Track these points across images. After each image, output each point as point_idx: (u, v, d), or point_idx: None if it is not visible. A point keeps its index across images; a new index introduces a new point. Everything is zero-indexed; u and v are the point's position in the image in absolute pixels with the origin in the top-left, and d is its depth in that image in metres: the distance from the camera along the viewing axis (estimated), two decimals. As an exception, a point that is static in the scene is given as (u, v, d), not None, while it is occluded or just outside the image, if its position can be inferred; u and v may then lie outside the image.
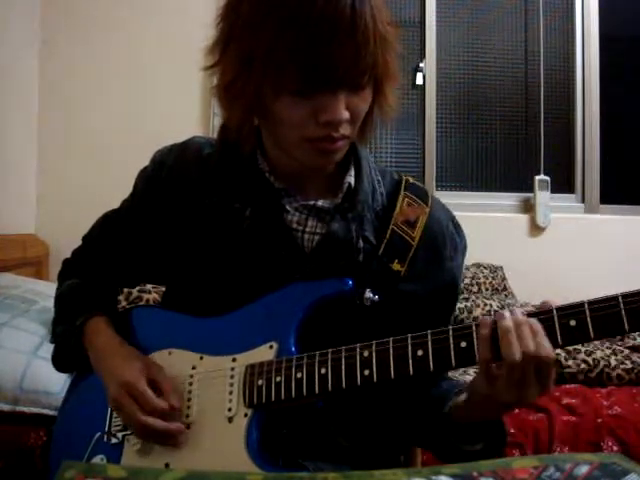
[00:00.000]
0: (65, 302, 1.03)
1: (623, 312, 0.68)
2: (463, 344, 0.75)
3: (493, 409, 0.81)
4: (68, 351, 0.99)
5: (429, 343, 0.76)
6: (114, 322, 0.98)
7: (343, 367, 0.79)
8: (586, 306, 0.70)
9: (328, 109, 0.78)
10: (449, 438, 0.87)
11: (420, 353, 0.76)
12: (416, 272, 0.92)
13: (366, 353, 0.79)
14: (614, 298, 0.69)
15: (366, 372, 0.78)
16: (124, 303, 2.05)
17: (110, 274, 1.04)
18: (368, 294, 0.87)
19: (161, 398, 0.85)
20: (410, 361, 0.77)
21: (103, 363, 0.92)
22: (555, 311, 0.72)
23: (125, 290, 2.02)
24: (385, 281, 0.89)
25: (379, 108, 0.87)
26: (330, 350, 0.81)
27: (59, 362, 1.03)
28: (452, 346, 0.75)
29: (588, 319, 0.70)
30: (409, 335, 0.78)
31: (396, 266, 0.90)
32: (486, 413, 0.83)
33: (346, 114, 0.79)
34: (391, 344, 0.78)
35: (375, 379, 0.78)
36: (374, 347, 0.79)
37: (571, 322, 0.71)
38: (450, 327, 0.76)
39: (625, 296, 0.68)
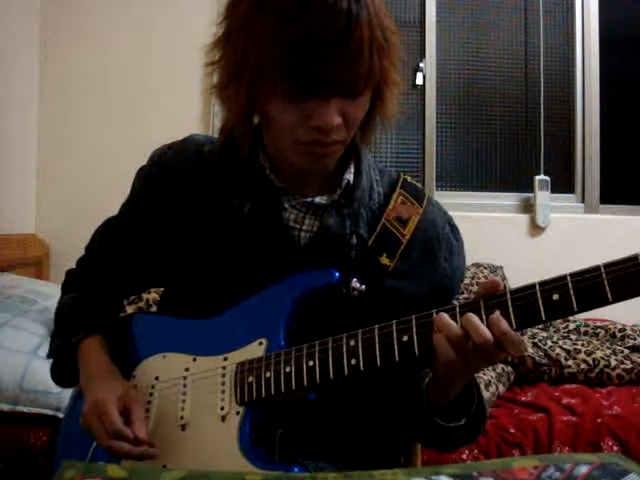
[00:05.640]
0: (63, 317, 1.03)
1: (605, 282, 0.67)
2: (497, 313, 0.74)
3: (458, 375, 0.80)
4: (64, 367, 1.00)
5: (414, 328, 0.77)
6: (110, 340, 0.98)
7: (330, 358, 0.79)
8: (569, 279, 0.70)
9: (319, 115, 0.78)
10: (433, 418, 0.87)
11: (405, 338, 0.77)
12: (407, 270, 0.92)
13: (352, 342, 0.79)
14: (596, 268, 0.69)
15: (353, 361, 0.78)
16: (124, 303, 2.05)
17: (113, 284, 1.04)
18: (355, 284, 0.88)
19: (128, 426, 0.83)
20: (395, 347, 0.77)
21: (89, 385, 0.92)
22: (538, 286, 0.71)
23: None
24: (372, 273, 0.90)
25: (379, 113, 0.87)
26: (317, 342, 0.81)
27: (56, 377, 1.03)
28: (484, 316, 0.74)
29: (571, 291, 0.69)
30: (394, 321, 0.78)
31: (384, 260, 0.91)
32: (452, 380, 0.82)
33: (337, 120, 0.79)
34: (376, 331, 0.78)
35: (362, 368, 0.78)
36: (360, 336, 0.79)
37: (554, 296, 0.70)
38: (434, 310, 0.77)
39: (607, 266, 0.68)
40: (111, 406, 0.84)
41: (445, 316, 0.75)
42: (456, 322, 0.74)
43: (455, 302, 0.84)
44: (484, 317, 0.74)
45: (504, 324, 0.72)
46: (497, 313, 0.73)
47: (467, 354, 0.74)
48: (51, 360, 1.03)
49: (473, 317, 0.73)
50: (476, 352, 0.74)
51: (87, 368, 0.95)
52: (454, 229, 0.99)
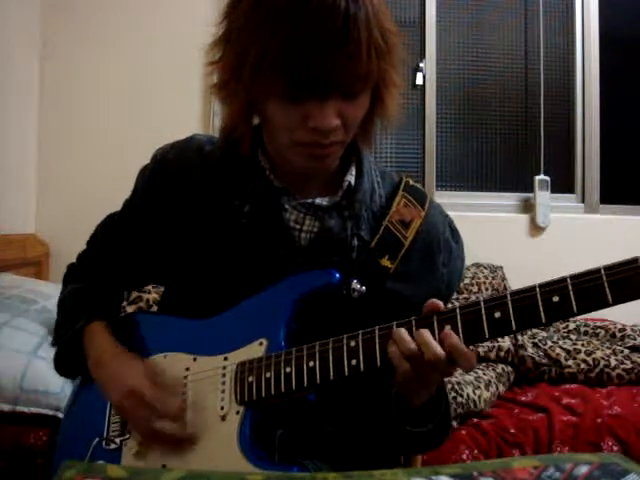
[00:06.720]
0: (67, 306, 1.03)
1: (606, 284, 0.68)
2: (447, 328, 0.75)
3: (415, 387, 0.82)
4: (69, 355, 1.00)
5: (413, 329, 0.77)
6: (114, 327, 0.98)
7: (331, 358, 0.79)
8: (569, 281, 0.70)
9: (317, 116, 0.78)
10: (402, 422, 0.88)
11: None
12: (407, 273, 0.92)
13: (353, 343, 0.79)
14: (597, 271, 0.69)
15: (353, 362, 0.78)
16: (124, 303, 2.05)
17: (114, 277, 1.04)
18: (355, 285, 0.88)
19: (167, 399, 0.85)
20: None
21: (101, 369, 0.92)
22: (538, 288, 0.72)
23: (125, 290, 2.02)
24: (373, 274, 0.90)
25: (379, 114, 0.87)
26: (318, 343, 0.81)
27: (60, 366, 1.03)
28: (437, 331, 0.76)
29: (571, 294, 0.69)
30: (394, 322, 0.78)
31: (385, 262, 0.91)
32: (411, 391, 0.83)
33: (335, 121, 0.79)
34: (377, 332, 0.79)
35: (362, 368, 0.78)
36: (360, 336, 0.79)
37: (554, 298, 0.70)
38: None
39: (607, 268, 0.68)
40: (149, 389, 0.85)
41: (402, 331, 0.77)
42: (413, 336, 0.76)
43: (456, 303, 0.85)
44: (436, 331, 0.76)
45: (454, 338, 0.74)
46: (447, 327, 0.75)
47: (421, 368, 0.76)
48: (53, 354, 1.03)
49: (425, 332, 0.75)
50: (429, 366, 0.75)
51: (94, 349, 0.95)
52: (454, 232, 0.99)
